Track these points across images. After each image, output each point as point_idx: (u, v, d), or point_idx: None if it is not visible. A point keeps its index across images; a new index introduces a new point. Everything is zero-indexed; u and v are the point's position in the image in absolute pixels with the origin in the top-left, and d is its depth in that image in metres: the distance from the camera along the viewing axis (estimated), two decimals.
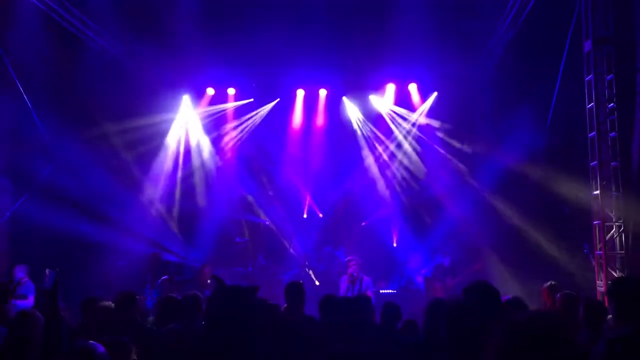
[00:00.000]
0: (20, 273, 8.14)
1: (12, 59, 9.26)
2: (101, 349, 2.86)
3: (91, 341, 2.92)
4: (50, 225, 9.56)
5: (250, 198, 12.79)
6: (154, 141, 12.30)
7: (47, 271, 3.63)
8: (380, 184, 12.90)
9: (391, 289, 10.73)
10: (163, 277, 9.26)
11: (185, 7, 9.88)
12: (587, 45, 8.02)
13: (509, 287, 8.25)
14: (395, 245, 12.58)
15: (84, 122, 10.37)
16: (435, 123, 12.63)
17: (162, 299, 5.45)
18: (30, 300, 7.95)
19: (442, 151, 12.51)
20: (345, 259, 10.05)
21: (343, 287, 9.24)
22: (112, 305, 5.01)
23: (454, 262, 10.75)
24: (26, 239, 9.34)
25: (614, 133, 7.72)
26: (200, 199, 12.82)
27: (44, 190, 9.81)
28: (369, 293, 8.90)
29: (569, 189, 8.91)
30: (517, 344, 1.74)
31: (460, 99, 12.07)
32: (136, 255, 11.13)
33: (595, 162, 7.87)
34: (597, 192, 7.86)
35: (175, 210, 12.58)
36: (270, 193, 13.15)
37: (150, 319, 5.65)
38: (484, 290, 2.80)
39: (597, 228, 7.92)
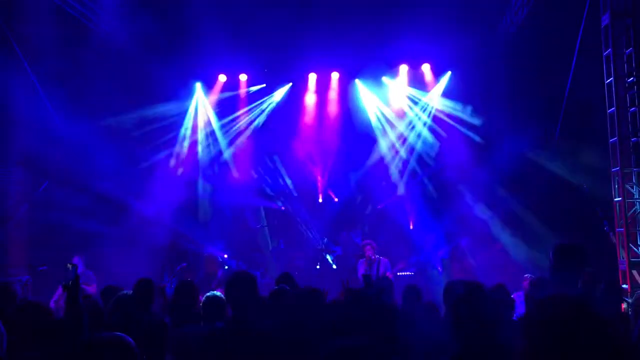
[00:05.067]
0: (80, 265, 8.23)
1: (24, 48, 9.28)
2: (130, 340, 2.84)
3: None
4: (69, 215, 9.64)
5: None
6: (168, 129, 12.32)
7: (68, 265, 3.62)
8: (395, 166, 12.80)
9: (409, 272, 10.67)
10: (182, 264, 9.32)
11: None
12: (605, 19, 7.87)
13: (530, 268, 8.17)
14: (411, 227, 12.50)
15: (98, 110, 10.40)
16: (450, 103, 12.48)
17: (180, 285, 5.42)
18: (93, 288, 8.28)
19: (457, 129, 12.32)
20: (362, 243, 10.05)
21: (360, 271, 9.25)
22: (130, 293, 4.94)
23: (472, 243, 10.66)
24: (45, 228, 9.42)
25: (634, 108, 7.58)
26: (219, 187, 12.83)
27: (60, 180, 9.89)
28: (388, 274, 8.91)
29: (587, 166, 8.79)
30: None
31: (474, 79, 11.88)
32: (155, 244, 11.21)
33: (615, 138, 7.75)
34: (617, 168, 7.74)
35: (194, 200, 12.62)
36: (284, 180, 13.11)
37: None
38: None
39: (617, 205, 7.82)
